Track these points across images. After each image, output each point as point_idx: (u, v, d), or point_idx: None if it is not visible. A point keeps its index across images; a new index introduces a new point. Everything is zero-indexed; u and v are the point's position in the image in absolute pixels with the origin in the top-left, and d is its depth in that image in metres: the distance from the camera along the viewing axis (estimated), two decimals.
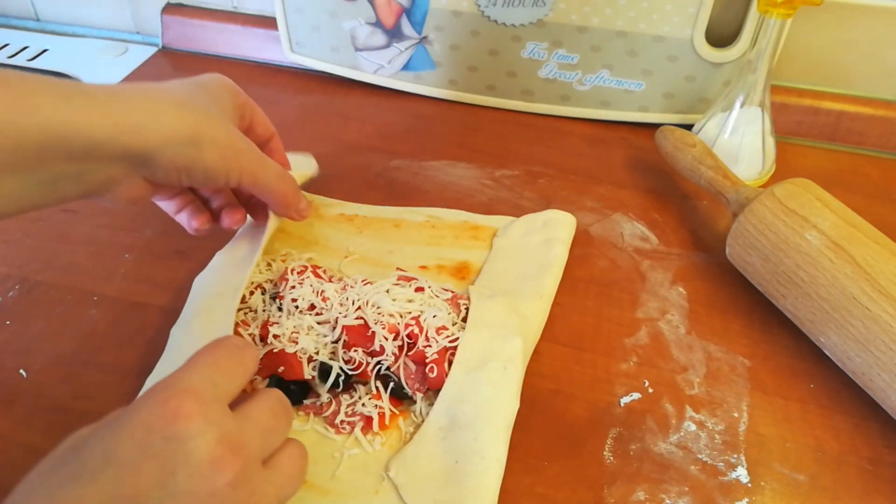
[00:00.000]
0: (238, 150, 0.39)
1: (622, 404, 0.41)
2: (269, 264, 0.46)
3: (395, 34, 0.65)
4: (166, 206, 0.43)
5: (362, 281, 0.43)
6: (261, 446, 0.28)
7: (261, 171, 0.40)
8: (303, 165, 0.53)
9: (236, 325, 0.40)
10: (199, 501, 0.24)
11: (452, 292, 0.43)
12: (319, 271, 0.44)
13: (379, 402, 0.38)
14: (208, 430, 0.25)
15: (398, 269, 0.46)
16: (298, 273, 0.43)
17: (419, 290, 0.42)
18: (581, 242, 0.51)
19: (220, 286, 0.43)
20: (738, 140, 0.56)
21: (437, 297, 0.42)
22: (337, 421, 0.38)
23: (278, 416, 0.30)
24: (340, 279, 0.44)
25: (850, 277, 0.40)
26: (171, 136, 0.35)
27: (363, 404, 0.38)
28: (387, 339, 0.39)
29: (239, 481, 0.25)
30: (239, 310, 0.42)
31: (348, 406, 0.39)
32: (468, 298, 0.43)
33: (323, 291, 0.42)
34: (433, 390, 0.39)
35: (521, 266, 0.47)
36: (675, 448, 0.38)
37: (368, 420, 0.38)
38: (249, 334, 0.40)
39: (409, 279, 0.43)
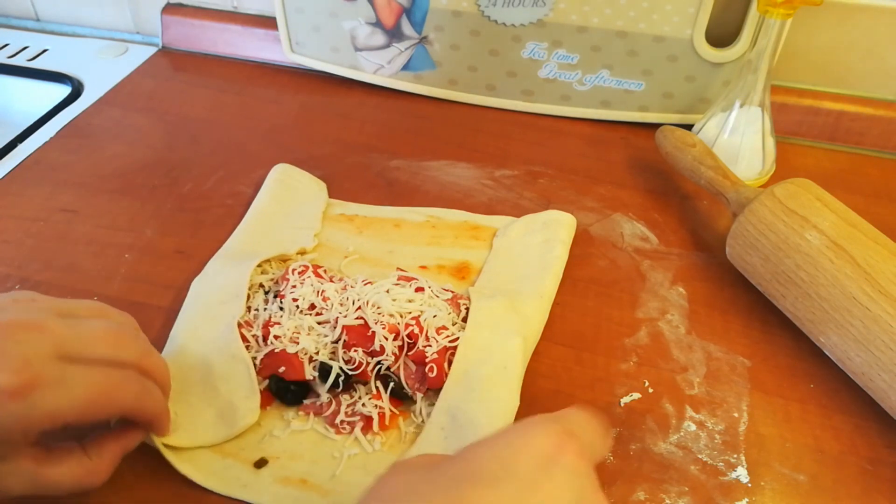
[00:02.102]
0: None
1: (622, 404, 0.41)
2: (269, 261, 0.46)
3: (395, 34, 0.65)
4: None
5: (363, 281, 0.43)
6: None
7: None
8: (312, 191, 0.54)
9: (239, 325, 0.40)
10: None
11: (452, 292, 0.43)
12: (320, 271, 0.44)
13: (379, 402, 0.38)
14: (586, 478, 0.26)
15: (398, 269, 0.46)
16: (299, 273, 0.43)
17: (419, 290, 0.42)
18: (581, 242, 0.51)
19: (220, 293, 0.43)
20: (738, 140, 0.56)
21: (437, 297, 0.42)
22: (337, 421, 0.38)
23: None
24: (341, 279, 0.44)
25: (850, 277, 0.40)
26: None
27: (363, 404, 0.38)
28: (387, 338, 0.39)
29: None
30: None
31: (348, 406, 0.39)
32: (468, 298, 0.43)
33: (323, 291, 0.42)
34: (433, 390, 0.39)
35: (521, 266, 0.47)
36: (675, 448, 0.38)
37: (368, 420, 0.38)
38: (252, 335, 0.40)
39: (409, 279, 0.43)
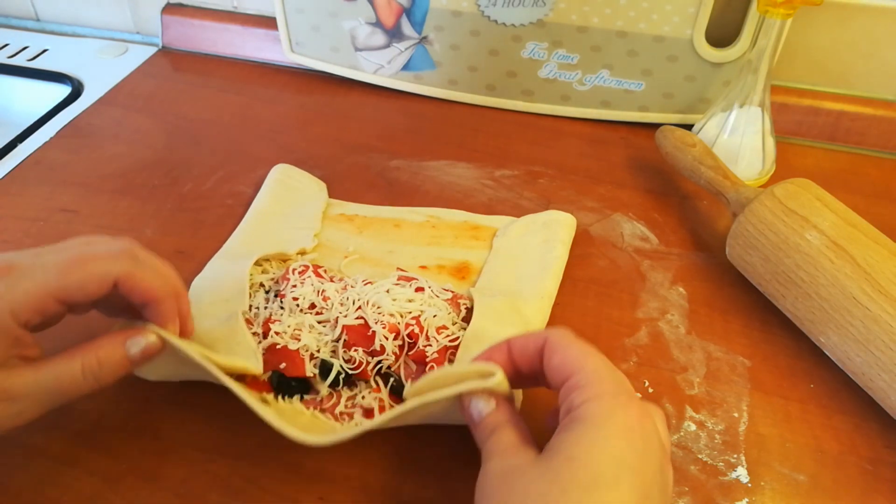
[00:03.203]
0: None
1: None
2: (269, 261, 0.46)
3: (395, 34, 0.65)
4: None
5: (363, 281, 0.43)
6: None
7: (35, 405, 0.32)
8: (312, 191, 0.54)
9: None
10: (666, 494, 0.29)
11: (452, 292, 0.43)
12: (321, 271, 0.44)
13: (379, 395, 0.38)
14: (654, 427, 0.29)
15: (398, 269, 0.46)
16: (300, 273, 0.43)
17: (419, 290, 0.42)
18: (581, 242, 0.51)
19: (221, 291, 0.43)
20: (738, 140, 0.56)
21: (438, 296, 0.42)
22: (336, 412, 0.38)
23: None
24: (341, 279, 0.44)
25: (850, 277, 0.40)
26: None
27: (363, 397, 0.38)
28: (387, 338, 0.39)
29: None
30: None
31: (348, 399, 0.39)
32: (468, 298, 0.43)
33: (324, 291, 0.42)
34: None
35: (521, 267, 0.47)
36: (675, 448, 0.38)
37: (369, 412, 0.38)
38: (253, 333, 0.40)
39: (409, 279, 0.43)
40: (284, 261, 0.47)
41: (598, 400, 0.29)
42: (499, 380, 0.31)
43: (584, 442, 0.28)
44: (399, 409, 0.32)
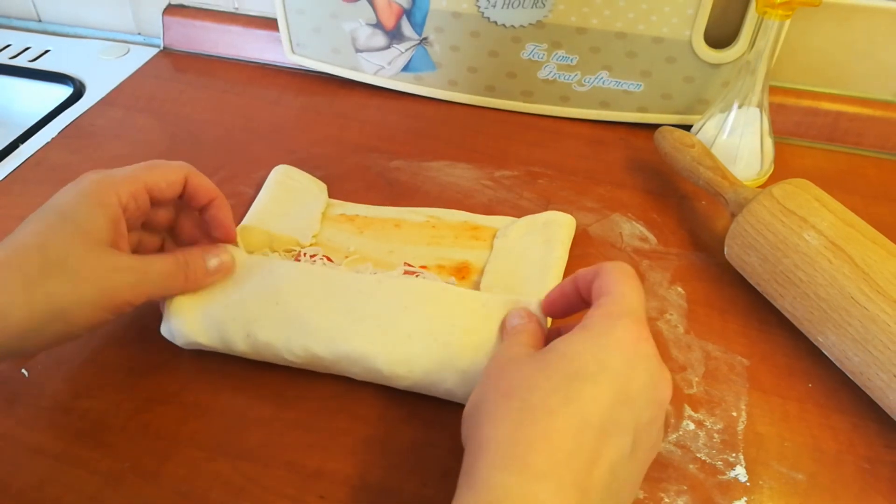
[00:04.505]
0: (106, 288, 0.35)
1: None
2: (273, 251, 0.47)
3: (395, 35, 0.65)
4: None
5: (371, 273, 0.43)
6: None
7: (145, 280, 0.37)
8: (312, 192, 0.54)
9: None
10: (655, 409, 0.31)
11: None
12: (331, 257, 0.44)
13: None
14: (655, 352, 0.31)
15: (405, 263, 0.46)
16: (310, 256, 0.43)
17: None
18: (580, 242, 0.51)
19: None
20: (737, 141, 0.56)
21: None
22: None
23: None
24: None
25: (849, 277, 0.40)
26: (27, 324, 0.33)
27: None
28: None
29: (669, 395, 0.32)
30: None
31: None
32: None
33: None
34: None
35: (522, 268, 0.47)
36: (673, 447, 0.39)
37: None
38: None
39: (413, 272, 0.43)
40: (288, 251, 0.47)
41: (606, 316, 0.32)
42: (537, 305, 0.38)
43: (579, 344, 0.31)
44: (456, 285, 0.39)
